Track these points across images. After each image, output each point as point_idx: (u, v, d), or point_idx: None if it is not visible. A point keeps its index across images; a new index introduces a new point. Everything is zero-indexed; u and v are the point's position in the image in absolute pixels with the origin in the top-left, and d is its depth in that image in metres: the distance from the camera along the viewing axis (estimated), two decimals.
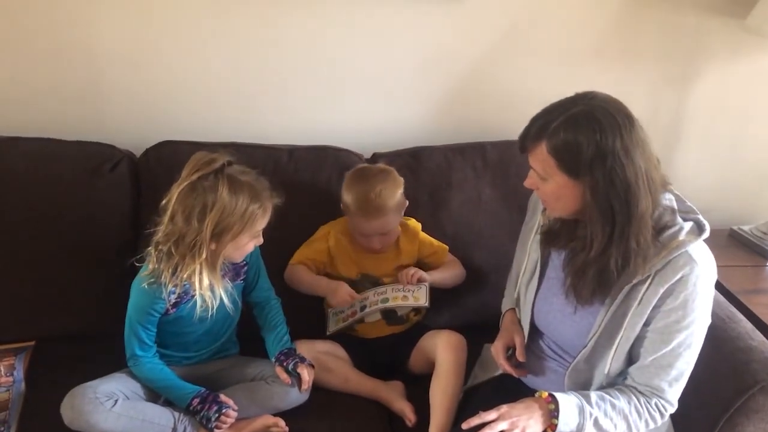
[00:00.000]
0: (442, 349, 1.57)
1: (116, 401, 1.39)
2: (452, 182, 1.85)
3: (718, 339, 1.45)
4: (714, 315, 1.49)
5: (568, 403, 1.24)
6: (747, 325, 1.49)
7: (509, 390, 1.41)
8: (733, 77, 2.09)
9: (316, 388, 1.56)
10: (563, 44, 1.98)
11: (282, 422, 1.47)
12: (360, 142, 1.89)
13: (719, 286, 1.77)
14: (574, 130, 1.16)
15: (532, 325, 1.45)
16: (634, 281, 1.23)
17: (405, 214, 1.80)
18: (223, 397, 1.45)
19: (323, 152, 1.83)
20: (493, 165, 1.86)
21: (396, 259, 1.74)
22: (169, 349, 1.55)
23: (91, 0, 1.76)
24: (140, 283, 1.43)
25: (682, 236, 1.23)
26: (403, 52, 1.94)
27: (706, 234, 1.25)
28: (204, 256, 1.37)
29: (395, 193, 1.66)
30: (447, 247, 1.80)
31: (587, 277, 1.26)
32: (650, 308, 1.24)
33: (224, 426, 1.42)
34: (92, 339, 1.63)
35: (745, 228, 2.13)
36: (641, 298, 1.24)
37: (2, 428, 1.41)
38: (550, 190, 1.24)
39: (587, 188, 1.18)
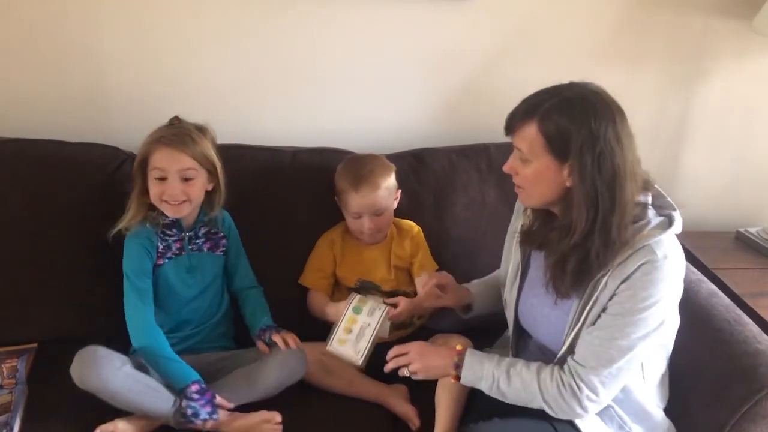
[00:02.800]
0: None
1: (125, 364, 1.42)
2: (456, 184, 1.84)
3: (724, 342, 1.44)
4: (720, 318, 1.50)
5: (471, 366, 1.31)
6: (754, 328, 1.47)
7: None
8: (740, 78, 2.08)
9: (320, 392, 1.56)
10: (569, 45, 1.98)
11: (278, 417, 1.46)
12: (363, 144, 1.88)
13: (725, 289, 1.76)
14: (568, 113, 1.16)
15: (520, 328, 1.46)
16: (598, 275, 1.22)
17: (408, 216, 1.79)
18: (219, 400, 1.45)
19: (327, 154, 1.82)
20: (498, 167, 1.82)
21: (388, 260, 1.74)
22: (164, 328, 1.55)
23: (95, 4, 1.77)
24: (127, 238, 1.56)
25: (646, 230, 1.21)
26: (408, 54, 1.94)
27: (674, 229, 1.23)
28: (137, 188, 1.55)
29: (386, 172, 1.69)
30: (437, 267, 1.78)
31: (568, 266, 1.24)
32: (608, 299, 1.22)
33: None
34: (94, 341, 1.62)
35: (752, 230, 2.12)
36: (601, 290, 1.23)
37: (5, 430, 1.40)
38: (531, 173, 1.23)
39: (575, 172, 1.18)
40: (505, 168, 1.29)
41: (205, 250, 1.63)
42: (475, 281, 1.64)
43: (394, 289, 1.74)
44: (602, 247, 1.20)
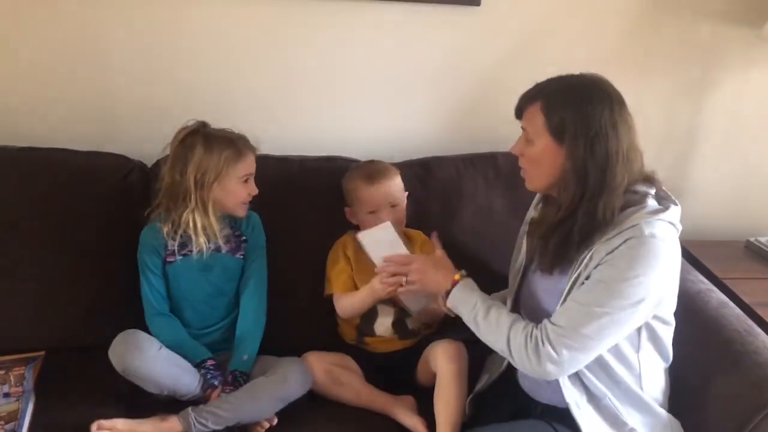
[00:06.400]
0: (441, 359, 1.54)
1: (161, 348, 1.50)
2: (463, 193, 1.84)
3: (735, 353, 1.43)
4: (730, 328, 1.48)
5: (462, 289, 1.37)
6: (765, 338, 1.46)
7: (510, 393, 1.47)
8: (749, 87, 2.08)
9: (328, 402, 1.56)
10: (576, 54, 1.97)
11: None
12: (371, 152, 1.88)
13: (736, 299, 1.74)
14: (570, 95, 1.24)
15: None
16: (586, 252, 1.25)
17: (415, 225, 1.79)
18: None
19: (334, 163, 1.83)
20: (505, 175, 1.85)
21: None
22: None
23: (105, 14, 1.78)
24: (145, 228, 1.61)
25: (639, 213, 1.24)
26: (414, 63, 1.94)
27: (668, 214, 1.24)
28: (193, 204, 1.54)
29: (395, 170, 1.72)
30: None
31: (552, 239, 1.28)
32: (593, 269, 1.24)
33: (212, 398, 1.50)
34: (102, 349, 1.61)
35: (762, 239, 2.10)
36: (586, 264, 1.25)
37: None
38: (534, 153, 1.29)
39: (569, 152, 1.23)
40: (512, 149, 1.35)
41: (224, 251, 1.62)
42: (495, 294, 1.61)
43: None
44: (586, 225, 1.24)
